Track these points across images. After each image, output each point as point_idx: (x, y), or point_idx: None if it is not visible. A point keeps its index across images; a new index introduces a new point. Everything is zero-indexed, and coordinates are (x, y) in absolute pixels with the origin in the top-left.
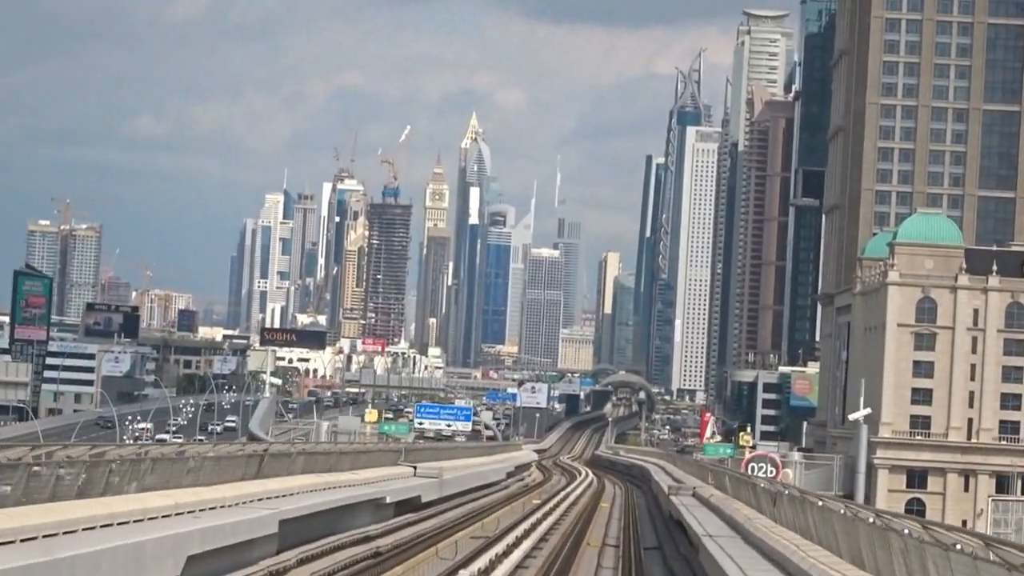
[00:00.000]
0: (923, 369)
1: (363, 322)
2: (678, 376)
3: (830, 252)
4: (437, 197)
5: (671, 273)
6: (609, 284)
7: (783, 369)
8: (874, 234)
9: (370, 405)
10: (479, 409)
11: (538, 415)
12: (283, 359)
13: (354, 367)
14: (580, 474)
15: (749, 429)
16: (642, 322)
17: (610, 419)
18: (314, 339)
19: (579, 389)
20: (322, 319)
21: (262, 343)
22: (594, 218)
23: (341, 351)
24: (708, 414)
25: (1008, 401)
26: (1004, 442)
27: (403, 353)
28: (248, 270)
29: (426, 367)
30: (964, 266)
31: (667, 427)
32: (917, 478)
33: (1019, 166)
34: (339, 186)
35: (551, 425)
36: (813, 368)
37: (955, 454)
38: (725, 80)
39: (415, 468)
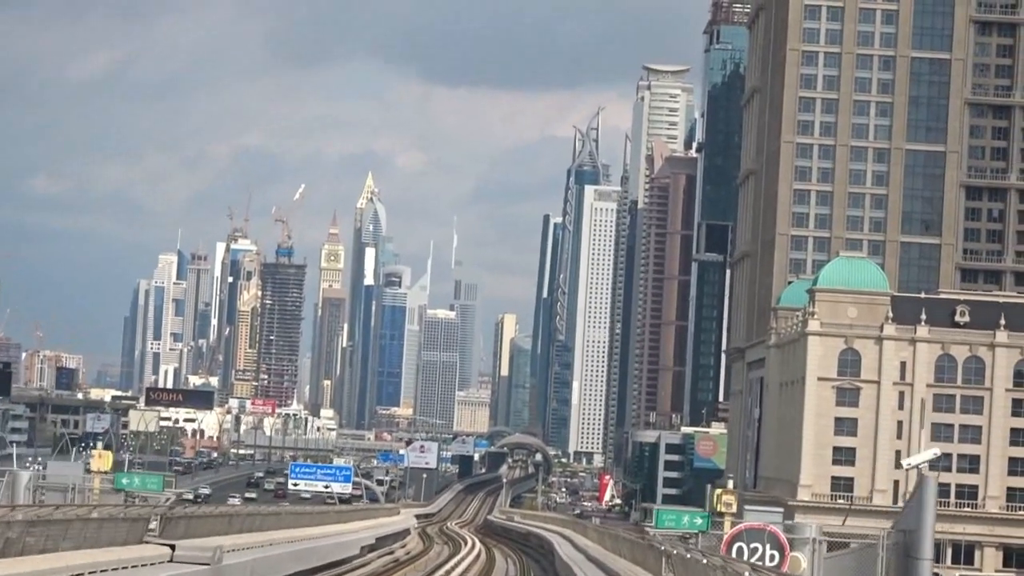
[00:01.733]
0: (845, 426)
1: (256, 383)
2: (575, 438)
3: (740, 304)
4: (332, 258)
5: (568, 334)
6: (506, 346)
7: (686, 429)
8: (789, 282)
9: (100, 444)
10: (371, 470)
11: (425, 476)
12: (168, 419)
13: (243, 428)
14: (467, 544)
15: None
16: (539, 384)
17: (505, 481)
18: (201, 399)
19: (473, 450)
20: (214, 380)
21: (147, 403)
22: (491, 280)
23: (229, 411)
24: (607, 477)
25: (938, 461)
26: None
27: (294, 414)
28: (141, 331)
29: (318, 428)
30: (890, 315)
31: (564, 490)
32: (839, 547)
33: (944, 210)
34: (232, 246)
35: (441, 487)
36: (718, 429)
37: (880, 519)
38: (624, 137)
39: (174, 548)
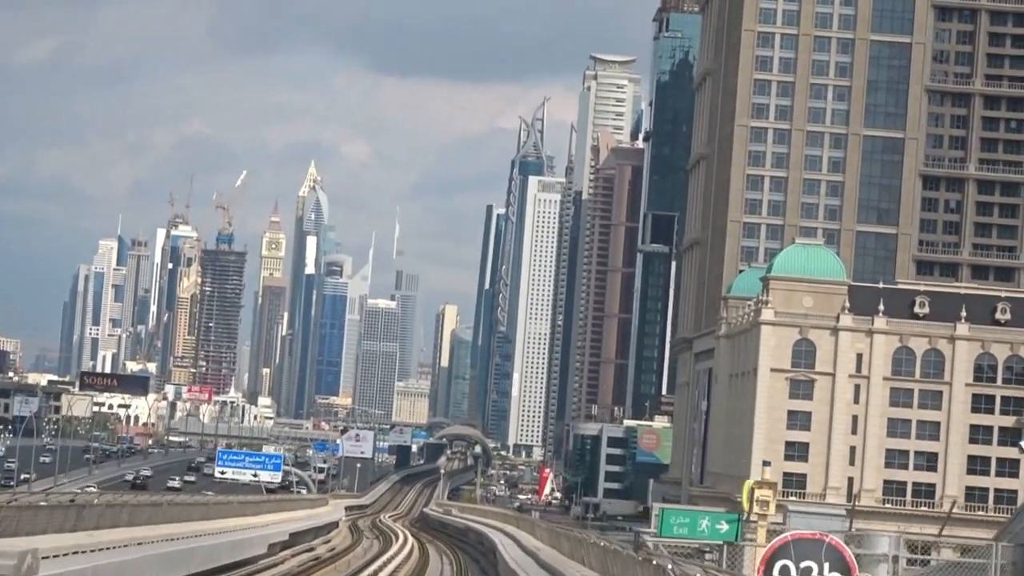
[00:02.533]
0: (799, 420)
1: (194, 370)
2: (515, 431)
3: (688, 293)
4: (273, 246)
5: (510, 326)
6: (446, 337)
7: (628, 423)
8: (741, 271)
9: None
10: (308, 459)
11: (359, 465)
12: (102, 404)
13: (179, 415)
14: (398, 539)
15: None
16: (479, 376)
17: (443, 472)
18: (136, 385)
19: (411, 441)
20: (152, 367)
21: (82, 387)
22: (434, 272)
23: (165, 398)
24: (547, 470)
25: (894, 458)
26: (889, 505)
27: (231, 402)
28: (80, 316)
29: (255, 417)
30: (847, 305)
31: (503, 483)
32: None
33: (902, 199)
34: (173, 232)
35: (377, 478)
36: (661, 422)
37: (832, 521)
38: (570, 127)
39: None
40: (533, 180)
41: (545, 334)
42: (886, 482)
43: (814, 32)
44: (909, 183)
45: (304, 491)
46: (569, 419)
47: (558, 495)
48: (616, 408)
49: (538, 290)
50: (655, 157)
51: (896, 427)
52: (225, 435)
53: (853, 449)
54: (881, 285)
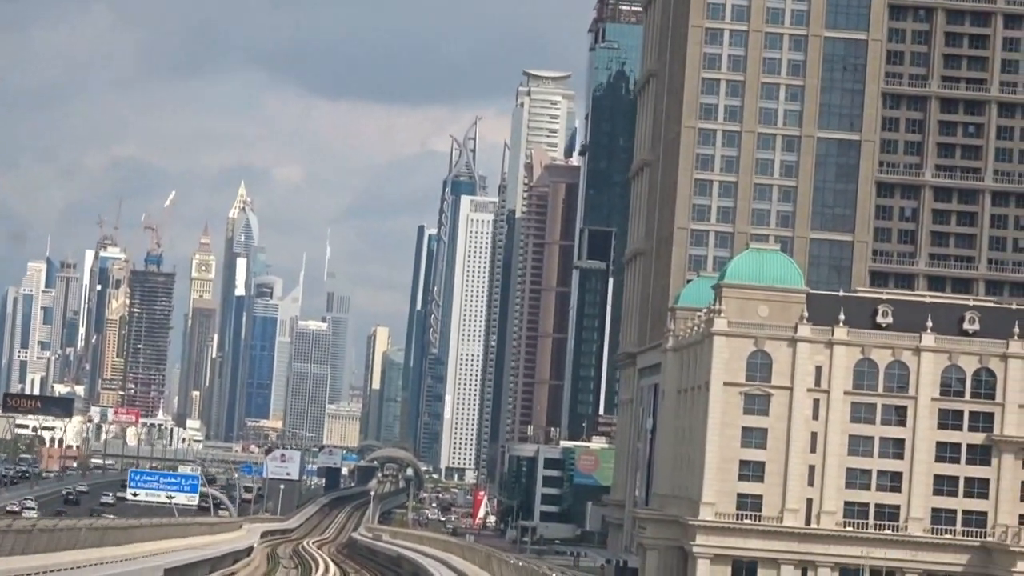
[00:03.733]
0: (754, 438)
1: (122, 393)
2: (447, 454)
3: (631, 306)
4: (203, 268)
5: (442, 348)
6: (378, 359)
7: (565, 444)
8: (688, 280)
9: None
10: (234, 481)
11: (282, 487)
12: (26, 427)
13: (104, 437)
14: (319, 568)
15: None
16: (411, 398)
17: (373, 495)
18: (61, 406)
19: (341, 463)
20: (81, 389)
21: (4, 410)
22: (365, 295)
23: (90, 420)
24: (482, 493)
25: (855, 478)
26: (850, 528)
27: (159, 424)
28: (8, 339)
29: (184, 440)
30: (805, 314)
31: (436, 506)
32: (745, 570)
33: (858, 204)
34: (102, 254)
35: (304, 500)
36: (599, 443)
37: (791, 542)
38: (503, 145)
39: None
40: (465, 200)
41: (478, 355)
42: (847, 503)
43: (765, 28)
44: (865, 188)
45: (227, 513)
46: (503, 441)
47: (493, 518)
48: (552, 429)
49: (471, 311)
50: (591, 171)
51: (858, 444)
52: (148, 457)
53: (812, 468)
54: (841, 293)
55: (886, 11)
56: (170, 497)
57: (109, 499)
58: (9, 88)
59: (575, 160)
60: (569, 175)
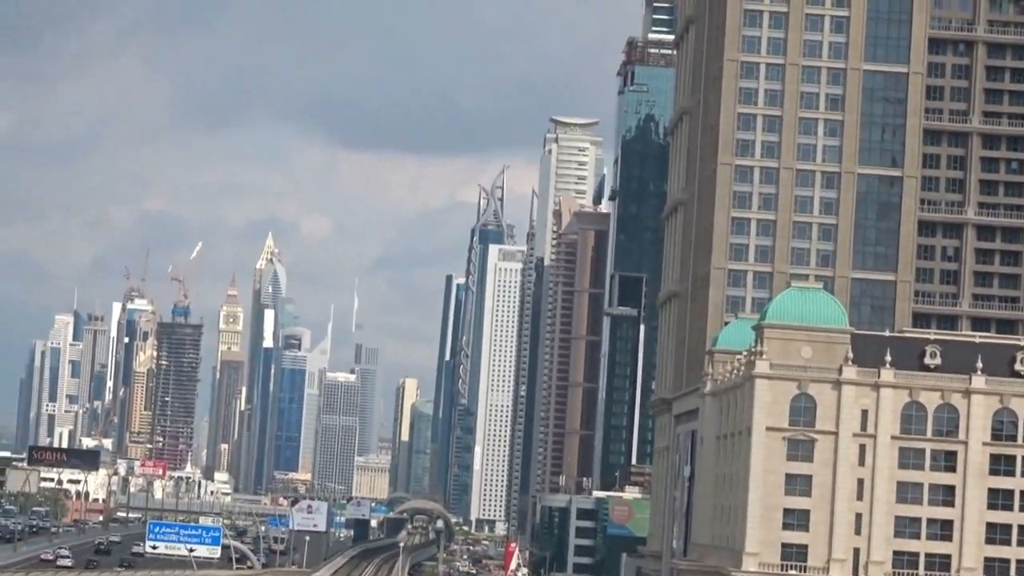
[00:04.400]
0: (798, 485)
1: (150, 446)
2: (477, 505)
3: (666, 351)
4: (231, 320)
5: (471, 398)
6: (407, 411)
7: (598, 494)
8: (726, 322)
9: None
10: (263, 535)
11: (308, 539)
12: (51, 480)
13: (132, 490)
14: None
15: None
16: (440, 449)
17: (402, 545)
18: (87, 459)
19: (370, 515)
20: (108, 442)
21: (30, 462)
22: (393, 346)
23: (116, 473)
24: (513, 544)
25: (904, 527)
26: None
27: (187, 477)
28: (37, 393)
29: (211, 492)
30: (850, 355)
31: (467, 558)
32: None
33: (900, 242)
34: (129, 306)
35: (332, 552)
36: (632, 493)
37: None
38: (531, 194)
39: None
40: (493, 249)
41: (507, 406)
42: (896, 553)
43: (802, 62)
44: (908, 226)
45: (248, 566)
46: (534, 492)
47: (525, 570)
48: (584, 479)
49: (500, 361)
50: (621, 216)
51: (906, 491)
52: (172, 509)
53: (859, 516)
54: (887, 334)
55: (926, 44)
56: (191, 550)
57: (140, 549)
58: (36, 141)
59: (604, 207)
60: (598, 222)
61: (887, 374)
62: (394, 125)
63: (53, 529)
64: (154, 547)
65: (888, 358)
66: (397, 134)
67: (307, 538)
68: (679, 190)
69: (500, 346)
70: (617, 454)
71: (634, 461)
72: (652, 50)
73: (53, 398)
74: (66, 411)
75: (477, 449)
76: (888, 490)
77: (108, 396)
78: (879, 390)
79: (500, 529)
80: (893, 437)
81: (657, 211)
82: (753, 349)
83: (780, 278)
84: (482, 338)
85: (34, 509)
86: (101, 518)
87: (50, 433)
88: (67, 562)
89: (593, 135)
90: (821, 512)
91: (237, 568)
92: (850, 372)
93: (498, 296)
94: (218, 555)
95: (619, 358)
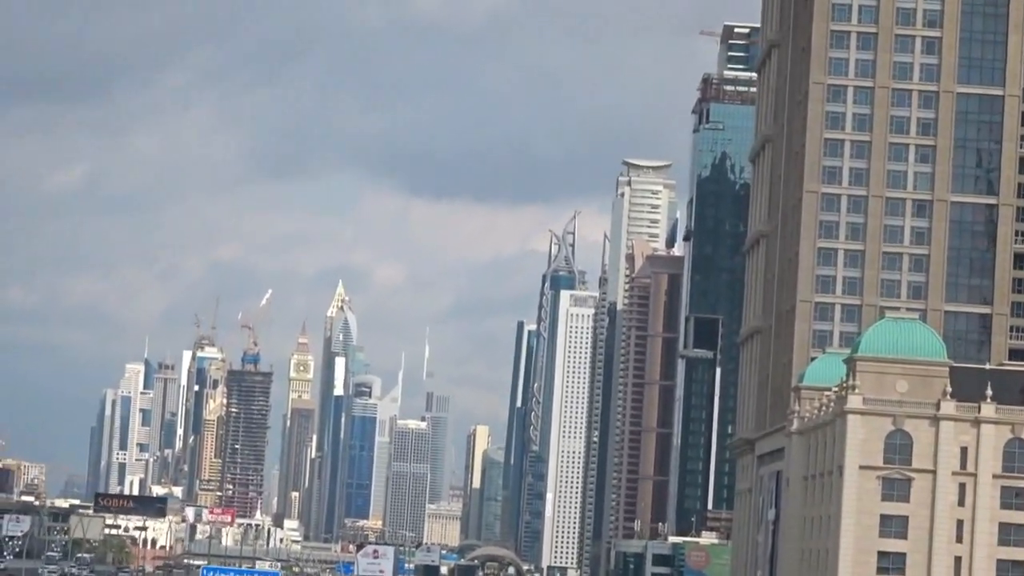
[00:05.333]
0: (894, 526)
1: (220, 493)
2: (549, 552)
3: (748, 389)
4: (302, 368)
5: (543, 445)
6: (478, 458)
7: (674, 539)
8: (813, 358)
9: None
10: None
11: None
12: (118, 527)
13: (199, 537)
14: None
15: None
16: (512, 497)
17: None
18: (152, 506)
19: (440, 561)
20: (179, 490)
21: (96, 509)
22: (464, 395)
23: (184, 520)
24: None
25: (1007, 571)
26: None
27: (256, 524)
28: (107, 441)
29: (282, 540)
30: (949, 389)
31: None
32: None
33: (996, 273)
34: (199, 354)
35: None
36: (708, 539)
37: None
38: (603, 239)
39: None
40: (565, 295)
41: (579, 452)
42: None
43: (892, 84)
44: (1004, 256)
45: None
46: (608, 538)
47: None
48: (660, 525)
49: (572, 407)
50: (696, 257)
51: (1009, 533)
52: (237, 556)
53: (959, 560)
54: (988, 367)
55: (1022, 65)
56: None
57: None
58: (108, 192)
59: (677, 250)
60: (672, 265)
61: (988, 409)
62: (465, 174)
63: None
64: None
65: (989, 392)
66: (468, 183)
67: None
68: (761, 222)
69: (572, 392)
70: (693, 499)
71: (710, 506)
72: (728, 87)
73: (124, 447)
74: (136, 459)
75: (549, 496)
76: (990, 532)
77: (178, 444)
78: (980, 426)
79: None
80: (995, 476)
81: (733, 252)
82: (844, 384)
83: (869, 311)
84: (553, 384)
85: (79, 556)
86: (160, 564)
87: (120, 481)
88: None
89: (666, 178)
90: (918, 555)
91: None
92: (949, 407)
93: (570, 342)
94: None
95: (695, 401)
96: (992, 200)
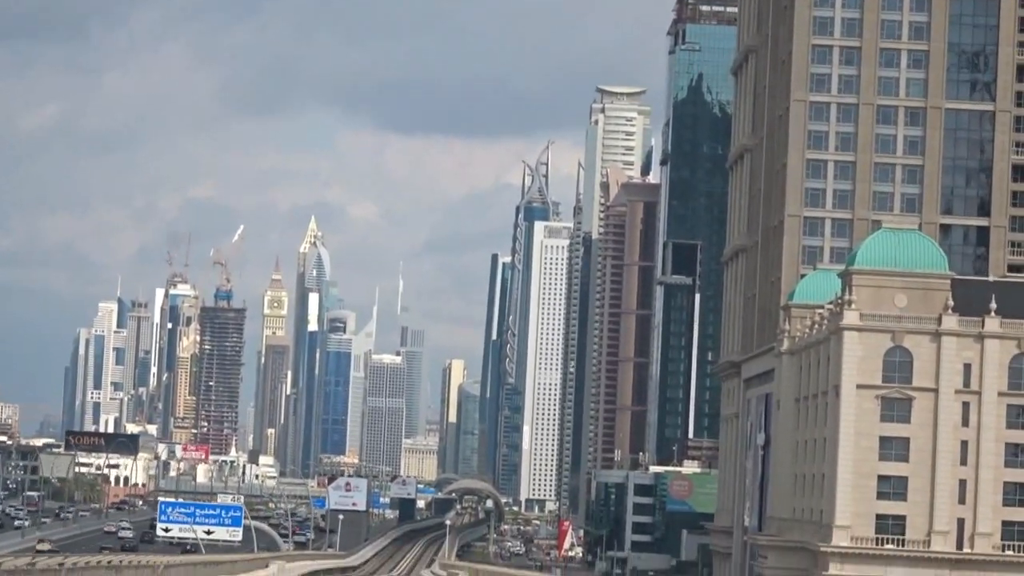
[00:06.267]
0: (894, 449)
1: (195, 431)
2: (527, 485)
3: (732, 310)
4: (275, 304)
5: (519, 378)
6: (454, 392)
7: (655, 469)
8: (803, 275)
9: None
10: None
11: (341, 517)
12: (89, 465)
13: (171, 475)
14: None
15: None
16: (488, 430)
17: (448, 523)
18: (125, 444)
19: (416, 494)
20: (153, 429)
21: (67, 448)
22: (440, 329)
23: (157, 457)
24: (567, 523)
25: (1014, 494)
26: (1010, 552)
27: (231, 461)
28: (82, 381)
29: (257, 476)
30: (951, 303)
31: (519, 539)
32: None
33: (993, 183)
34: (172, 291)
35: (375, 534)
36: (690, 468)
37: (941, 569)
38: (577, 168)
39: None
40: (539, 226)
41: (556, 384)
42: (1005, 524)
43: None
44: (1001, 166)
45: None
46: (585, 470)
47: (579, 550)
48: (641, 454)
49: (547, 339)
50: (674, 182)
51: (1015, 454)
52: (223, 493)
53: (963, 483)
54: (992, 278)
55: None
56: (209, 532)
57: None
58: (83, 131)
59: (653, 178)
60: (647, 193)
61: (992, 323)
62: (440, 109)
63: (66, 515)
64: (167, 530)
65: (993, 305)
66: (443, 118)
67: (340, 516)
68: (745, 136)
69: (547, 324)
70: (673, 428)
71: (691, 435)
72: (704, 7)
73: (98, 386)
74: (111, 399)
75: (526, 428)
76: (995, 453)
77: (152, 382)
78: (984, 341)
79: (551, 508)
80: (1000, 394)
81: (711, 175)
82: (839, 299)
83: (861, 225)
84: (529, 317)
85: (27, 494)
86: (117, 501)
87: (95, 421)
88: (127, 533)
89: (641, 104)
90: (920, 479)
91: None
92: (951, 322)
93: (545, 273)
94: (239, 538)
95: (673, 328)
96: (989, 107)
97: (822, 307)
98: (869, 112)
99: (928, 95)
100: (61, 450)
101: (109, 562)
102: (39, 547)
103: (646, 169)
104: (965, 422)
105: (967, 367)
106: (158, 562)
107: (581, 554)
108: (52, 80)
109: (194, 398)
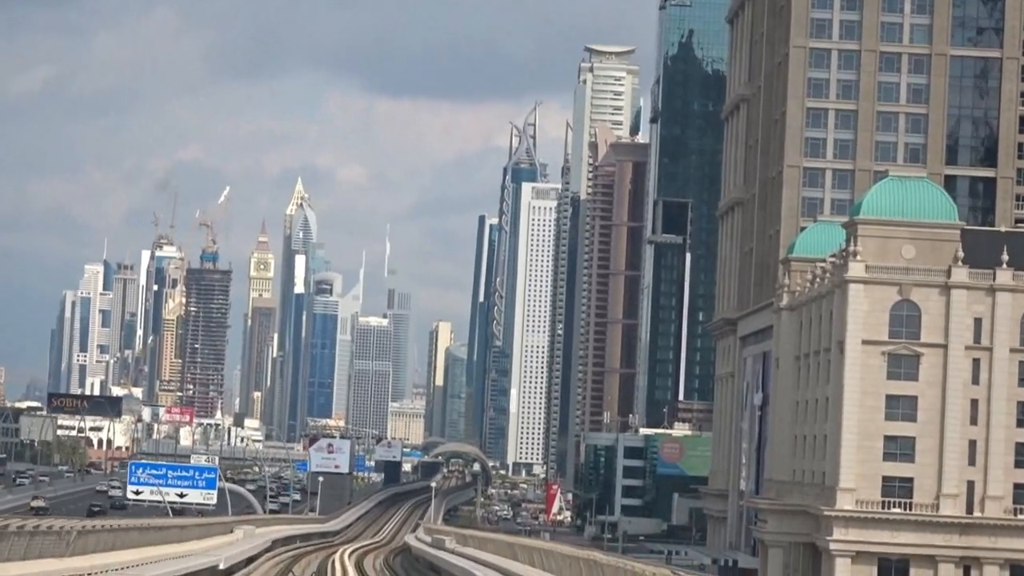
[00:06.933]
0: (901, 407)
1: (180, 394)
2: (514, 449)
3: (728, 266)
4: (262, 266)
5: (506, 340)
6: (440, 355)
7: (645, 431)
8: (803, 228)
9: None
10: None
11: (321, 479)
12: (72, 428)
13: (156, 437)
14: None
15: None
16: (475, 393)
17: (434, 485)
18: (107, 406)
19: (402, 457)
20: (139, 391)
21: (50, 410)
22: (427, 292)
23: (140, 419)
24: (555, 487)
25: None
26: (1023, 516)
27: (216, 424)
28: (68, 343)
29: (242, 439)
30: (961, 254)
31: (507, 503)
32: (895, 570)
33: (1000, 133)
34: (158, 253)
35: (359, 497)
36: (681, 431)
37: (950, 534)
38: (565, 128)
39: None
40: (527, 187)
41: (543, 346)
42: (1017, 486)
43: None
44: (1009, 115)
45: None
46: (574, 433)
47: (568, 514)
48: (630, 417)
49: (535, 301)
50: (664, 139)
51: None
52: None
53: (973, 444)
54: (1004, 229)
55: None
56: (180, 495)
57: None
58: (72, 93)
59: (642, 137)
60: (636, 153)
61: (1004, 276)
62: (428, 72)
63: (41, 478)
64: (137, 492)
65: (1005, 257)
66: (431, 81)
67: (320, 479)
68: (742, 85)
69: (535, 286)
70: (663, 390)
71: (681, 397)
72: None
73: (84, 348)
74: (97, 361)
75: (513, 391)
76: (1007, 412)
77: (138, 345)
78: (995, 294)
79: (538, 472)
80: (1012, 350)
81: (702, 133)
82: (843, 251)
83: (863, 175)
84: (516, 278)
85: None
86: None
87: (81, 384)
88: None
89: (629, 63)
90: (929, 440)
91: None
92: (961, 274)
93: (532, 235)
94: (214, 501)
95: (663, 288)
96: (996, 53)
97: (824, 260)
98: (871, 59)
99: (933, 41)
100: (44, 412)
101: (20, 527)
102: (33, 504)
103: (635, 129)
104: (975, 380)
105: (978, 322)
106: (70, 527)
107: (570, 518)
108: (42, 42)
109: (180, 361)
